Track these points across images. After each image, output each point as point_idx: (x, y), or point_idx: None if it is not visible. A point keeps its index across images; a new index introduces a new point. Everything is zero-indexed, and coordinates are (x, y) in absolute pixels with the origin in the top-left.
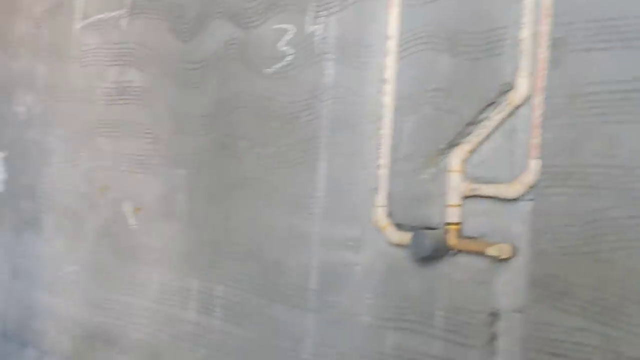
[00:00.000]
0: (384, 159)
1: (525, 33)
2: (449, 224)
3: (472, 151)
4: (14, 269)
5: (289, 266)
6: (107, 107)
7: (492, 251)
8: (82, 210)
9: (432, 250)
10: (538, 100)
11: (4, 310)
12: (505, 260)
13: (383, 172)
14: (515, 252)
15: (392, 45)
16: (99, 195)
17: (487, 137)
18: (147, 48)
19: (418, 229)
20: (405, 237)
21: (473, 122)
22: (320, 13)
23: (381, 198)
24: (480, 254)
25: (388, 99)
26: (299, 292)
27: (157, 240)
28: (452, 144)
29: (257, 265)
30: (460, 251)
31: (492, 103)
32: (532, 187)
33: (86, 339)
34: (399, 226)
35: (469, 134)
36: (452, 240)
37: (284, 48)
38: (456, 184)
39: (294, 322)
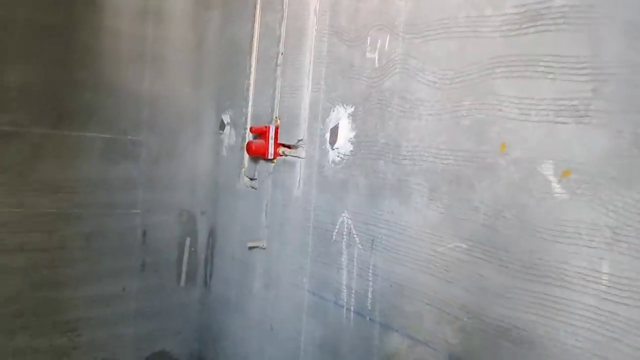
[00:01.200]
0: None
1: None
2: None
3: None
4: (372, 240)
5: None
6: (508, 39)
7: None
8: (469, 173)
9: None
10: None
11: (361, 286)
12: None
13: None
14: None
15: None
16: (496, 154)
17: None
18: None
19: None
20: None
21: None
22: None
23: None
24: None
25: None
26: None
27: (605, 216)
28: None
29: None
30: None
31: None
32: None
33: (482, 334)
34: None
35: None
36: None
37: None
38: None
39: None
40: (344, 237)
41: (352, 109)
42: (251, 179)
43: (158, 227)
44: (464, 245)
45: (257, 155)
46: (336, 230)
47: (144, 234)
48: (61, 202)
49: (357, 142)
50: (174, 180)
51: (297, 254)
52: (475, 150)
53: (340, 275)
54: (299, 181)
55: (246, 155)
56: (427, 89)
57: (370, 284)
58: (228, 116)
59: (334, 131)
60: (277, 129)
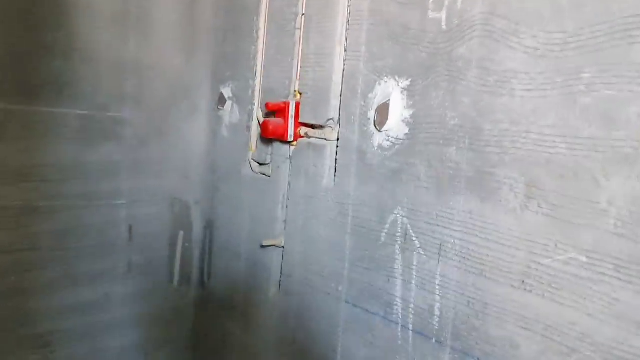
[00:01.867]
0: None
1: None
2: None
3: None
4: (440, 245)
5: None
6: None
7: None
8: (592, 166)
9: None
10: None
11: (424, 300)
12: None
13: None
14: None
15: None
16: (636, 143)
17: None
18: None
19: None
20: None
21: None
22: None
23: None
24: None
25: None
26: None
27: None
28: None
29: None
30: None
31: None
32: None
33: None
34: None
35: None
36: None
37: None
38: None
39: None
40: (398, 239)
41: (408, 82)
42: (261, 164)
43: (146, 220)
44: (583, 258)
45: (275, 136)
46: (386, 231)
47: (130, 229)
48: (28, 192)
49: (414, 123)
50: (165, 165)
51: (329, 257)
52: (601, 136)
53: (392, 284)
54: (330, 169)
55: (254, 136)
56: (524, 57)
57: (438, 298)
58: (229, 89)
59: (382, 109)
60: (297, 105)
